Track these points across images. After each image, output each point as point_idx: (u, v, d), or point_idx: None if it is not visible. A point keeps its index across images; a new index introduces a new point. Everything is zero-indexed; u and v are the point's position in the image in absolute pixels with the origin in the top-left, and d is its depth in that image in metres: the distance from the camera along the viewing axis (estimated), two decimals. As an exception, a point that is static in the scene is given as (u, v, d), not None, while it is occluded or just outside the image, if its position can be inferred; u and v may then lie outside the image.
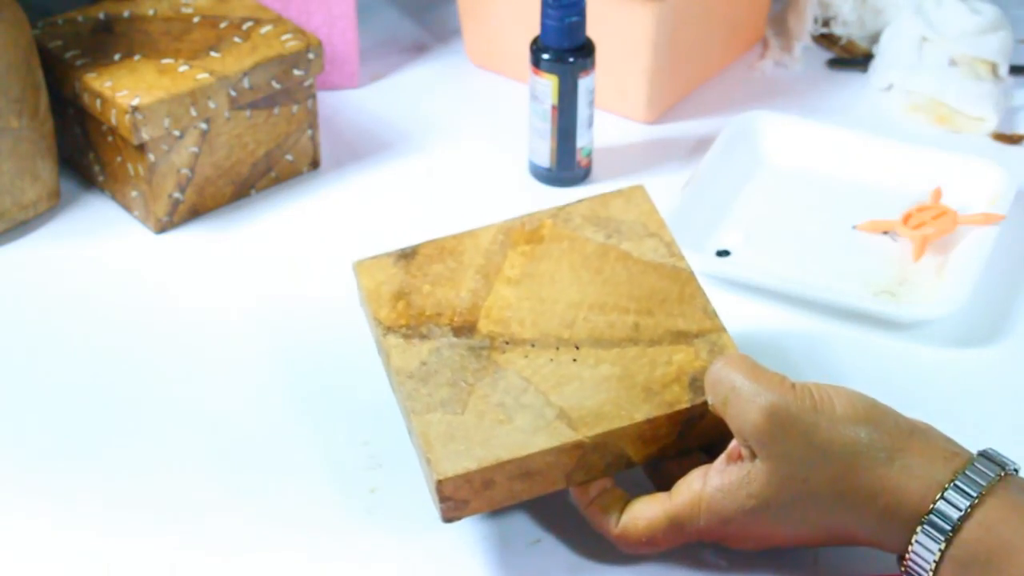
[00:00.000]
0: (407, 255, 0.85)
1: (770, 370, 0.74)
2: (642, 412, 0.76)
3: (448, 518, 0.75)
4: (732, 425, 0.73)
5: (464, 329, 0.81)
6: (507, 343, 0.80)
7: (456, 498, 0.74)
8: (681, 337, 0.80)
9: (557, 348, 0.80)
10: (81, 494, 0.82)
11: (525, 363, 0.79)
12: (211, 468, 0.84)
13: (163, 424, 0.87)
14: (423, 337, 0.80)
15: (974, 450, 0.73)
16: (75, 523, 0.81)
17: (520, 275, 0.83)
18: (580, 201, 0.87)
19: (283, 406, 0.88)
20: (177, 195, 1.02)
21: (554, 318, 0.81)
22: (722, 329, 0.81)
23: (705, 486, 0.74)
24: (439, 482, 0.74)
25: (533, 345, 0.80)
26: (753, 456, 0.73)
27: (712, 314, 0.82)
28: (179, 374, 0.91)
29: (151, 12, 1.07)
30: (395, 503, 0.81)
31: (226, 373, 0.91)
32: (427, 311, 0.81)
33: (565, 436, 0.75)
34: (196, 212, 1.04)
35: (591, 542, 0.78)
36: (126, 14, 1.07)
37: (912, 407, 0.87)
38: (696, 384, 0.78)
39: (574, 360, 0.79)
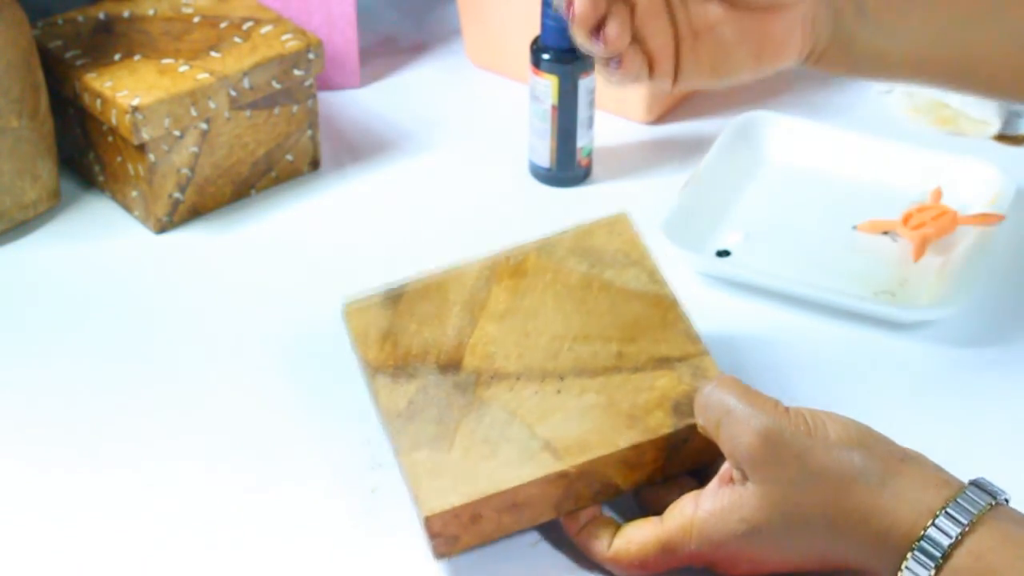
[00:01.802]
0: (394, 297, 0.86)
1: (763, 394, 0.74)
2: (626, 439, 0.77)
3: (440, 554, 0.76)
4: (725, 448, 0.73)
5: (450, 367, 0.82)
6: (492, 377, 0.81)
7: (445, 534, 0.75)
8: (664, 363, 0.81)
9: (542, 380, 0.81)
10: (81, 493, 0.82)
11: (510, 396, 0.80)
12: (211, 467, 0.84)
13: (162, 423, 0.87)
14: (410, 376, 0.81)
15: (969, 449, 0.73)
16: (74, 521, 0.81)
17: (504, 310, 0.84)
18: (564, 232, 0.88)
19: (283, 406, 0.88)
20: (177, 195, 1.02)
21: (538, 351, 0.82)
22: (705, 353, 0.81)
23: (697, 510, 0.74)
24: (427, 518, 0.74)
25: (518, 378, 0.81)
26: (745, 479, 0.73)
27: (695, 338, 0.82)
28: (179, 374, 0.91)
29: (151, 12, 1.07)
30: (396, 503, 0.81)
31: (226, 373, 0.91)
32: (413, 350, 0.83)
33: (550, 467, 0.76)
34: (196, 212, 1.04)
35: (591, 542, 0.78)
36: (126, 14, 1.07)
37: (912, 407, 0.87)
38: (679, 409, 0.78)
39: (558, 391, 0.80)
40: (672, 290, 0.85)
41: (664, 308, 0.84)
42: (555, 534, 0.79)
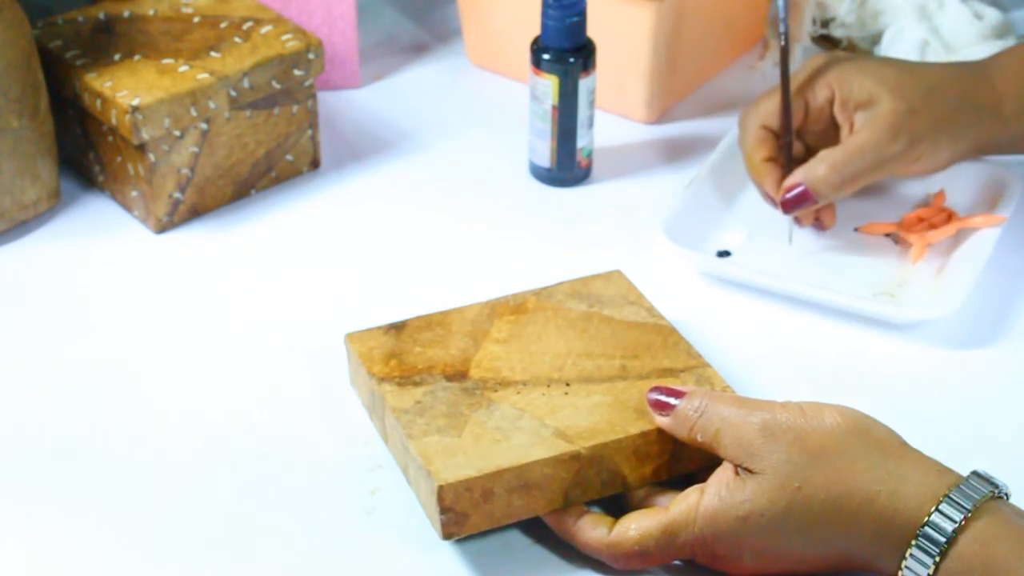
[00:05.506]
0: (396, 327, 0.87)
1: (754, 398, 0.76)
2: (636, 427, 0.78)
3: (447, 533, 0.76)
4: (727, 453, 0.74)
5: (456, 376, 0.83)
6: (499, 384, 0.82)
7: (456, 509, 0.75)
8: (668, 372, 0.83)
9: (548, 385, 0.82)
10: (80, 493, 0.82)
11: (518, 398, 0.81)
12: (211, 468, 0.84)
13: (162, 424, 0.87)
14: (416, 384, 0.83)
15: (969, 449, 0.73)
16: (72, 521, 0.81)
17: (508, 336, 0.86)
18: (561, 283, 0.90)
19: (283, 406, 0.88)
20: (177, 195, 1.02)
21: (543, 365, 0.84)
22: (707, 365, 0.83)
23: (703, 496, 0.74)
24: (440, 488, 0.74)
25: (525, 384, 0.82)
26: (748, 472, 0.73)
27: (696, 355, 0.84)
28: (179, 374, 0.91)
29: (151, 12, 1.07)
30: (396, 504, 0.81)
31: (226, 372, 0.91)
32: (419, 366, 0.84)
33: (562, 448, 0.77)
34: (196, 212, 1.04)
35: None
36: (126, 14, 1.07)
37: (911, 407, 0.87)
38: None
39: (565, 393, 0.81)
40: (669, 321, 0.87)
41: (664, 334, 0.86)
42: (556, 534, 0.79)
